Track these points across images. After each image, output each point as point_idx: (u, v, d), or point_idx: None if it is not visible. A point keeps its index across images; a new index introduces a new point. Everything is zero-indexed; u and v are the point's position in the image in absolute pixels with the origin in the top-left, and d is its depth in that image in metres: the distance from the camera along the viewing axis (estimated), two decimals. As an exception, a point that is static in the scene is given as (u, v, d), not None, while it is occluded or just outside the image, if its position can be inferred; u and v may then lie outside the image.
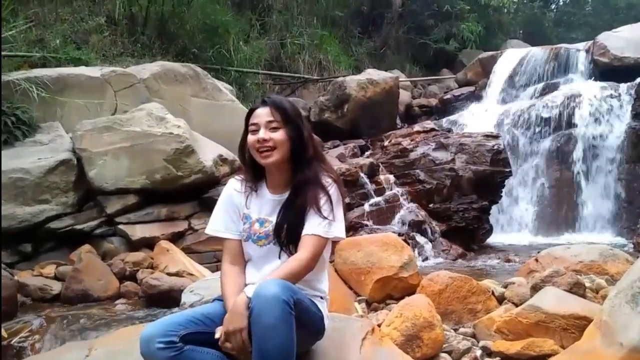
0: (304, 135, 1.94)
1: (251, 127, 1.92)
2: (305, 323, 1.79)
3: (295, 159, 1.93)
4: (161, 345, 1.67)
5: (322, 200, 1.90)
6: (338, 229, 1.94)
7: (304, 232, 1.88)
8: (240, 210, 2.02)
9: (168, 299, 3.67)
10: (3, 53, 5.47)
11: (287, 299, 1.66)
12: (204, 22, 8.20)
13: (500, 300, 3.06)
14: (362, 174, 5.88)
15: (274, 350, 1.63)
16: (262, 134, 1.88)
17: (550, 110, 7.29)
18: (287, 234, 1.90)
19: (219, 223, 2.03)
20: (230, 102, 6.17)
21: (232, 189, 2.04)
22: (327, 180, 1.94)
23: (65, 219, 4.54)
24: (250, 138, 1.92)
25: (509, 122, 7.49)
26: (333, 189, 1.94)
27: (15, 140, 4.73)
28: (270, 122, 1.89)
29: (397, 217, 5.65)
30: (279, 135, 1.89)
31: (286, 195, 1.95)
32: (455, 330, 2.83)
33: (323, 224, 1.88)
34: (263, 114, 1.91)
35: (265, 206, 1.98)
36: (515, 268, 4.31)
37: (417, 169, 6.15)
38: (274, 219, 1.94)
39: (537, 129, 7.26)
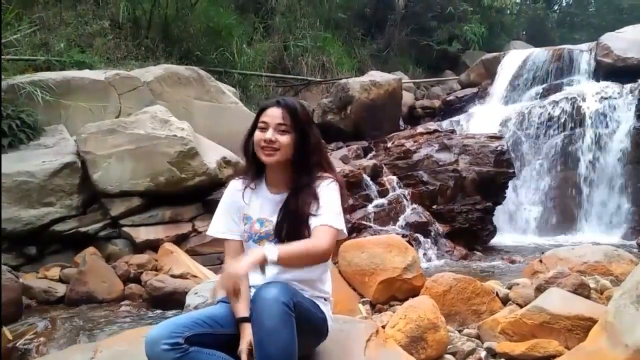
0: (310, 142, 1.94)
1: (260, 125, 1.93)
2: (307, 325, 1.79)
3: (297, 162, 1.94)
4: (166, 347, 1.67)
5: (314, 208, 1.88)
6: (341, 222, 1.90)
7: (315, 223, 1.84)
8: (241, 211, 2.02)
9: (172, 301, 3.69)
10: (8, 57, 5.51)
11: (287, 301, 1.67)
12: (207, 25, 8.23)
13: (505, 301, 3.06)
14: (365, 176, 5.88)
15: (276, 352, 1.64)
16: (270, 134, 1.89)
17: (553, 111, 7.28)
18: (287, 234, 1.89)
19: (221, 224, 2.04)
20: (234, 104, 6.18)
21: (233, 190, 2.05)
22: (327, 179, 1.93)
23: (69, 222, 4.56)
24: (258, 135, 1.92)
25: (513, 123, 7.48)
26: (332, 185, 1.92)
27: (20, 143, 4.76)
28: (280, 124, 1.90)
29: (401, 218, 5.63)
30: (286, 139, 1.90)
31: (285, 195, 1.95)
32: (460, 331, 2.83)
33: (331, 214, 1.86)
34: (275, 114, 1.91)
35: (265, 206, 1.99)
36: (520, 269, 4.30)
37: (421, 170, 6.14)
38: (274, 219, 1.94)
39: (541, 130, 7.26)
